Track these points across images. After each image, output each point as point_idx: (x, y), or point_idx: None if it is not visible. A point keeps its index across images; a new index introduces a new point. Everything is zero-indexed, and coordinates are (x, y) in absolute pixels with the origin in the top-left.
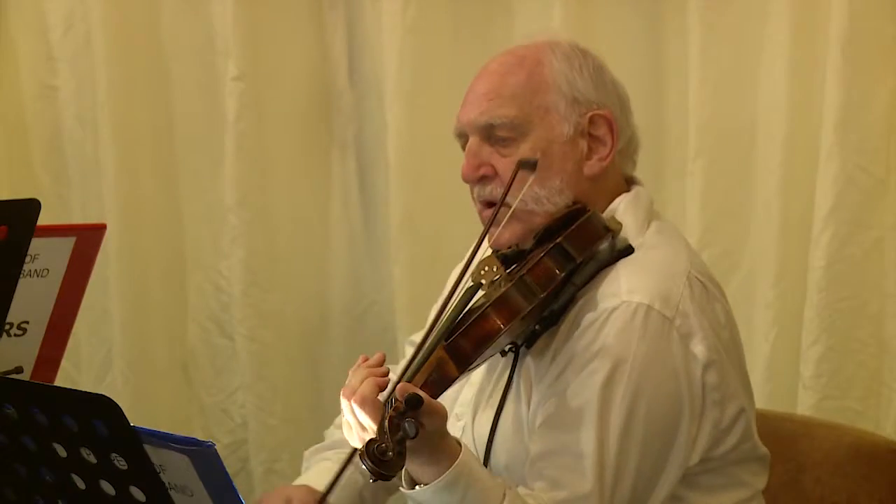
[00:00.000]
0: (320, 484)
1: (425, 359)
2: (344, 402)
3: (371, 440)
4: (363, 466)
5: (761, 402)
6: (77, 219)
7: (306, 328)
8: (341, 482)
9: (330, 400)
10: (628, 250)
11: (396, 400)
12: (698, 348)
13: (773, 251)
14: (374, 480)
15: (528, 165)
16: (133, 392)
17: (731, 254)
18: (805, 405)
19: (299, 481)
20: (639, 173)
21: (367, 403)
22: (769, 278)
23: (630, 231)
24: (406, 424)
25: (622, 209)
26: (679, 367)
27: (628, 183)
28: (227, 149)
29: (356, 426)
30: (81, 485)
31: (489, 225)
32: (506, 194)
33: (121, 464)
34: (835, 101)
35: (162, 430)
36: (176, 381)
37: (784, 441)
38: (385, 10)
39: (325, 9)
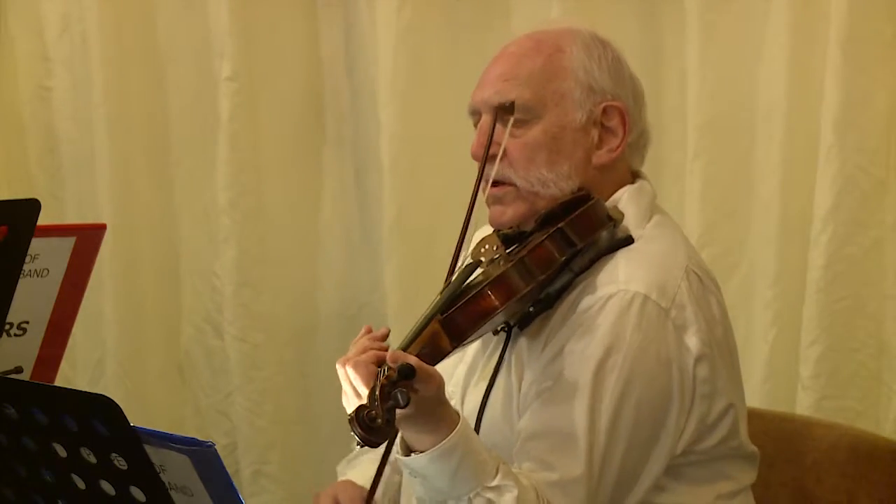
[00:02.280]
0: (362, 479)
1: (420, 330)
2: (339, 369)
3: (361, 406)
4: (352, 432)
5: (760, 402)
6: (72, 219)
7: (297, 329)
8: (384, 478)
9: (320, 402)
10: (628, 241)
11: (389, 368)
12: (692, 340)
13: (773, 251)
14: (361, 446)
15: (506, 109)
16: (127, 393)
17: (730, 254)
18: (803, 405)
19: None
20: None
21: (360, 366)
22: (768, 278)
23: (630, 222)
24: (398, 394)
25: (625, 200)
26: (672, 358)
27: (634, 176)
28: (220, 149)
29: (352, 392)
30: (81, 485)
31: (477, 184)
32: (490, 139)
33: (121, 464)
34: (834, 100)
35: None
36: (171, 382)
37: (784, 441)
38: (380, 10)
39: (319, 8)
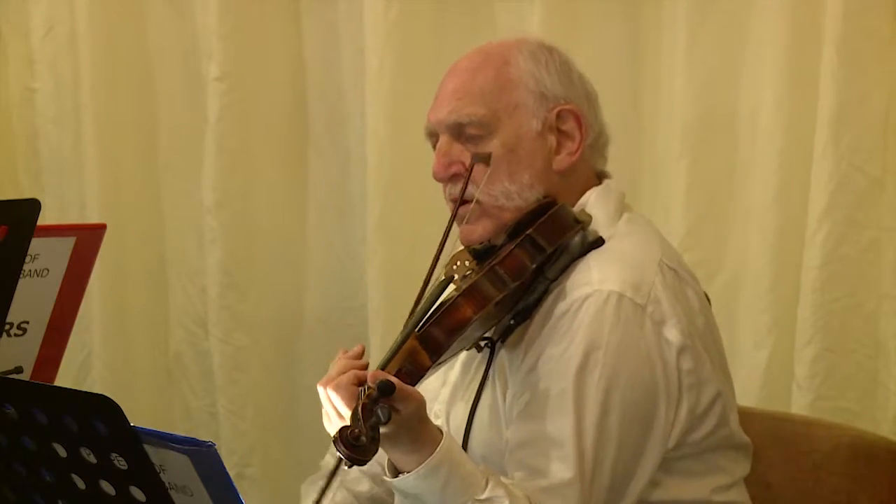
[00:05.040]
0: None
1: (398, 348)
2: (321, 391)
3: (344, 427)
4: (338, 453)
5: (757, 403)
6: (51, 223)
7: (281, 332)
8: (328, 495)
9: (304, 405)
10: (599, 242)
11: (369, 387)
12: (671, 333)
13: (770, 253)
14: (349, 466)
15: (481, 158)
16: (113, 395)
17: (718, 255)
18: (799, 405)
19: None
20: (623, 173)
21: (341, 388)
22: (765, 281)
23: (600, 223)
24: (379, 410)
25: (592, 201)
26: (653, 353)
27: (599, 178)
28: (207, 150)
29: (334, 414)
30: (81, 485)
31: (452, 219)
32: (464, 189)
33: (121, 464)
34: (829, 99)
35: None
36: (158, 384)
37: (784, 441)
38: (367, 10)
39: (307, 10)
